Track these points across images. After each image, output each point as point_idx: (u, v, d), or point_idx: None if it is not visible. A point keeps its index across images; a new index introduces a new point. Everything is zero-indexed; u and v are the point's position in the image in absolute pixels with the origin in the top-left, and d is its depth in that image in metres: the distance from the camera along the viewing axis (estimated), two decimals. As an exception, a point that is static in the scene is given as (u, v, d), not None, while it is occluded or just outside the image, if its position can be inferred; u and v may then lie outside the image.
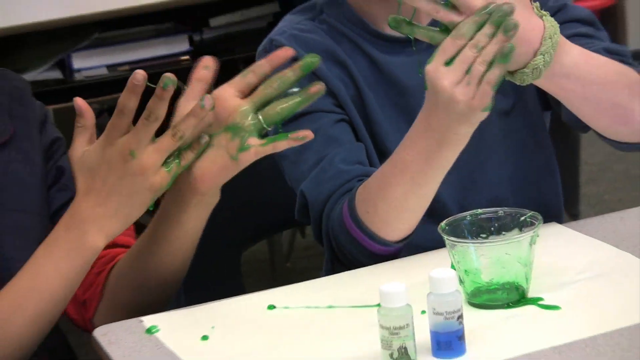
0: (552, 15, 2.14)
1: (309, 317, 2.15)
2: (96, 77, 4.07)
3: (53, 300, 2.10)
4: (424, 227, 2.24)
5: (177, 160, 2.04)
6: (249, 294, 2.27)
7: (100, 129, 2.08)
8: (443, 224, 2.11)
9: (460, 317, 1.93)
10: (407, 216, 2.25)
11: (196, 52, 4.23)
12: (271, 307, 2.20)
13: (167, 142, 2.00)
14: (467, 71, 2.02)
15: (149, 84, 1.97)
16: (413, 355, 1.90)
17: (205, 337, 2.09)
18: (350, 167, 2.32)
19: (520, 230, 2.10)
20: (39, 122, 2.36)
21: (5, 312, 2.08)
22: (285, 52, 2.13)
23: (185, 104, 2.04)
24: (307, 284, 2.29)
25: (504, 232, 2.12)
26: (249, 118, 2.08)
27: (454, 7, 2.05)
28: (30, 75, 3.94)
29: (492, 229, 2.13)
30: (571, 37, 2.23)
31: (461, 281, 2.04)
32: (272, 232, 3.47)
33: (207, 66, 2.07)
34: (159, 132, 2.02)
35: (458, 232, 2.11)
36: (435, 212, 2.25)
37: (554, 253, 2.19)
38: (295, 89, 2.11)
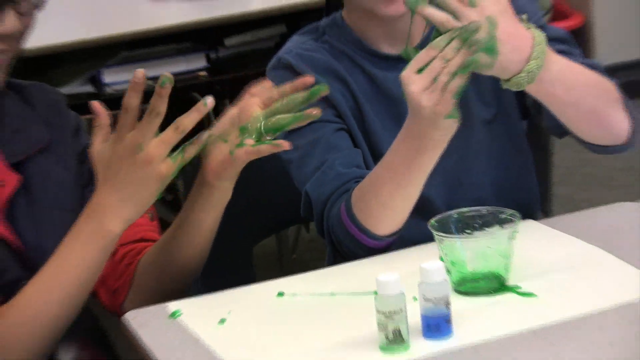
0: None
1: (313, 303, 2.17)
2: (124, 90, 4.08)
3: (78, 282, 2.12)
4: (416, 224, 2.26)
5: (182, 154, 2.06)
6: (260, 282, 2.29)
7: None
8: (432, 220, 2.13)
9: (448, 303, 1.96)
10: (394, 214, 2.27)
11: (212, 69, 4.24)
12: (280, 294, 2.22)
13: (170, 135, 2.03)
14: (435, 80, 2.04)
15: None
16: (406, 336, 1.93)
17: (222, 321, 2.12)
18: (348, 170, 2.34)
19: (501, 226, 2.12)
20: (73, 130, 2.38)
21: (35, 295, 2.11)
22: (307, 80, 2.17)
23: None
24: (311, 273, 2.31)
25: (486, 228, 2.13)
26: (257, 124, 2.12)
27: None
28: (66, 89, 3.94)
29: (476, 225, 2.14)
30: None
31: (448, 271, 2.05)
32: (280, 228, 3.47)
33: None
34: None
35: (446, 228, 2.13)
36: (425, 210, 2.26)
37: (530, 247, 2.19)
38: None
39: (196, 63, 4.22)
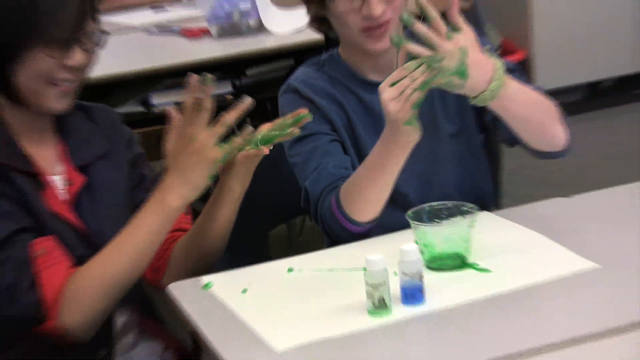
0: None
1: (316, 276, 2.16)
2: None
3: (144, 245, 2.12)
4: (396, 215, 2.24)
5: (228, 144, 2.10)
6: (274, 260, 2.27)
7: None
8: (409, 212, 2.12)
9: (421, 277, 1.96)
10: (371, 205, 2.26)
11: (236, 93, 4.20)
12: (290, 269, 2.20)
13: (217, 128, 2.08)
14: (401, 93, 2.05)
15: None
16: (389, 303, 1.93)
17: (244, 291, 2.11)
18: (339, 171, 2.33)
19: (463, 217, 2.12)
20: (127, 142, 2.37)
21: (111, 255, 2.11)
22: (300, 111, 2.19)
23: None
24: (314, 253, 2.30)
25: (451, 218, 2.13)
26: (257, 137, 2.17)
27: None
28: (122, 109, 3.93)
29: (443, 216, 2.13)
30: None
31: (421, 252, 2.03)
32: (289, 218, 3.46)
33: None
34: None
35: (419, 218, 2.12)
36: (403, 205, 2.25)
37: (485, 233, 2.18)
38: None
39: (224, 88, 4.20)
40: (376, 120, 2.22)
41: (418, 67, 2.07)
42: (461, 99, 2.42)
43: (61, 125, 2.27)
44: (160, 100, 4.17)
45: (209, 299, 2.10)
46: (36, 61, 2.08)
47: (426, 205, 2.15)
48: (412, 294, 1.96)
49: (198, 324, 2.00)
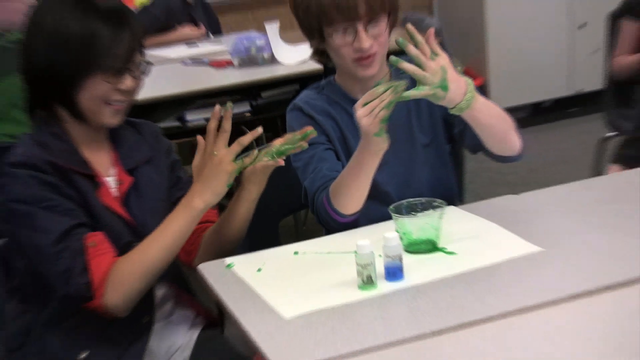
0: None
1: (317, 258, 2.14)
2: (199, 125, 4.07)
3: (174, 238, 2.10)
4: (380, 209, 2.22)
5: (242, 160, 2.11)
6: (283, 245, 2.25)
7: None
8: (391, 207, 2.10)
9: (401, 258, 1.95)
10: (353, 200, 2.24)
11: (253, 111, 4.22)
12: (296, 252, 2.18)
13: (234, 146, 2.09)
14: (372, 111, 2.06)
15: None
16: (374, 280, 1.92)
17: (259, 269, 2.09)
18: (331, 173, 2.32)
19: (434, 210, 2.09)
20: (166, 150, 2.36)
21: (149, 245, 2.10)
22: (307, 128, 2.19)
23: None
24: (315, 239, 2.27)
25: (424, 211, 2.10)
26: (272, 149, 2.18)
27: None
28: (162, 124, 3.92)
29: (418, 209, 2.11)
30: None
31: (401, 238, 2.00)
32: (295, 210, 3.45)
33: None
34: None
35: (399, 211, 2.09)
36: (385, 201, 2.24)
37: (452, 223, 2.17)
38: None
39: (243, 107, 4.19)
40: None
41: (385, 91, 2.07)
42: (433, 117, 2.43)
43: (114, 137, 2.26)
44: (193, 117, 4.16)
45: (230, 276, 2.08)
46: (95, 86, 2.08)
47: (404, 201, 2.13)
48: (394, 272, 1.95)
49: (222, 296, 1.99)
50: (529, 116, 6.24)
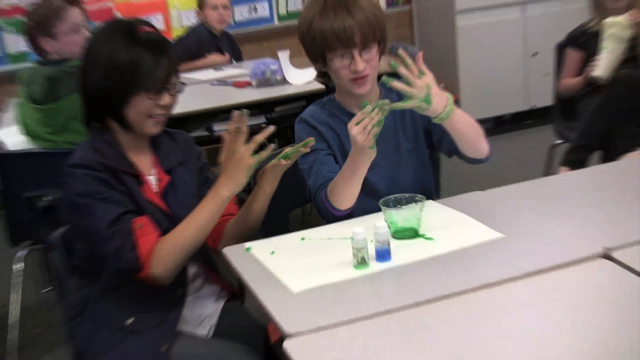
0: None
1: (320, 243, 2.12)
2: (225, 133, 4.06)
3: (205, 221, 2.10)
4: (371, 203, 2.19)
5: (259, 155, 2.11)
6: (292, 233, 2.23)
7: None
8: (381, 201, 2.09)
9: (389, 243, 1.94)
10: (346, 197, 2.21)
11: (269, 123, 4.20)
12: (302, 238, 2.16)
13: (251, 145, 2.09)
14: (364, 128, 2.05)
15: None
16: (367, 260, 1.91)
17: (272, 252, 2.07)
18: (330, 174, 2.29)
19: (416, 203, 2.07)
20: (197, 155, 2.34)
21: (183, 229, 2.10)
22: (309, 139, 2.22)
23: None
24: (319, 228, 2.25)
25: (408, 205, 2.08)
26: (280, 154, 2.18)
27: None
28: (193, 134, 3.93)
29: (403, 203, 2.09)
30: None
31: (389, 227, 1.99)
32: (302, 204, 3.41)
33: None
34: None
35: (387, 204, 2.08)
36: (376, 196, 2.21)
37: (430, 214, 2.15)
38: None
39: (259, 120, 4.19)
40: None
41: (373, 109, 2.05)
42: (416, 127, 2.41)
43: (154, 143, 2.26)
44: (219, 128, 4.16)
45: (249, 258, 2.06)
46: (140, 102, 2.09)
47: (392, 196, 2.11)
48: (383, 254, 1.93)
49: (242, 274, 1.97)
50: (493, 127, 6.23)
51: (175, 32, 5.80)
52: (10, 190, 3.33)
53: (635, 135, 3.73)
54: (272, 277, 1.93)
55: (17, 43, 5.50)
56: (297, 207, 3.20)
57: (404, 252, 1.98)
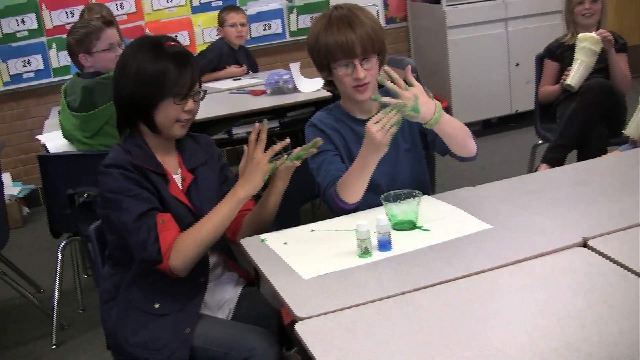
0: None
1: (328, 234, 2.09)
2: (242, 137, 4.06)
3: (222, 219, 2.08)
4: (374, 198, 2.16)
5: (274, 162, 2.08)
6: (303, 225, 2.20)
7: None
8: (382, 196, 2.06)
9: (389, 234, 1.91)
10: (355, 192, 2.17)
11: (281, 127, 4.17)
12: (312, 230, 2.13)
13: (268, 152, 2.07)
14: (383, 127, 2.02)
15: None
16: (370, 250, 1.89)
17: (285, 243, 2.04)
18: (337, 173, 2.25)
19: (413, 198, 2.04)
20: (217, 155, 2.31)
21: (203, 225, 2.07)
22: (316, 139, 2.18)
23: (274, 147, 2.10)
24: (327, 220, 2.21)
25: (406, 199, 2.05)
26: (291, 155, 2.15)
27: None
28: (215, 137, 3.90)
29: (402, 198, 2.05)
30: None
31: (389, 219, 1.96)
32: (312, 199, 3.40)
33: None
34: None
35: (388, 199, 2.05)
36: (378, 192, 2.16)
37: (427, 208, 2.12)
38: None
39: (274, 124, 4.13)
40: (361, 141, 2.15)
41: (391, 111, 2.03)
42: (412, 129, 2.38)
43: (179, 145, 2.23)
44: (237, 131, 4.12)
45: (264, 248, 2.03)
46: (167, 108, 2.09)
47: (392, 192, 2.08)
48: (384, 244, 1.91)
49: (257, 263, 1.95)
50: (481, 129, 6.19)
51: (199, 47, 5.77)
52: (52, 188, 3.34)
53: (606, 135, 3.77)
54: (285, 265, 1.90)
55: (60, 58, 5.49)
56: (307, 202, 3.17)
57: (403, 243, 1.95)
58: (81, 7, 5.11)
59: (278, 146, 2.09)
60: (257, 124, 2.10)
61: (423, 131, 2.39)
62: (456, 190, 2.36)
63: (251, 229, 2.22)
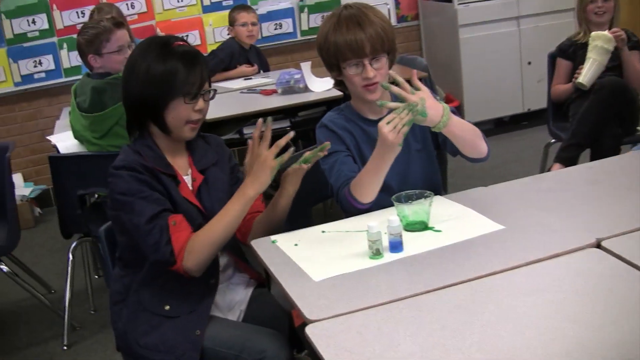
0: None
1: (339, 235, 2.08)
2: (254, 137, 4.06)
3: (233, 218, 2.07)
4: (385, 199, 2.14)
5: (280, 158, 2.06)
6: (314, 226, 2.19)
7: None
8: (393, 197, 2.05)
9: (401, 235, 1.90)
10: (369, 192, 2.16)
11: (292, 126, 4.14)
12: (323, 231, 2.12)
13: (273, 148, 2.05)
14: (395, 127, 2.01)
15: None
16: (382, 251, 1.88)
17: (296, 244, 2.03)
18: (350, 173, 2.24)
19: (425, 199, 2.03)
20: (228, 156, 2.31)
21: (213, 225, 2.07)
22: (325, 143, 2.15)
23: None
24: (338, 221, 2.20)
25: (418, 200, 2.04)
26: (300, 157, 2.15)
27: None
28: (225, 137, 3.89)
29: (414, 198, 2.05)
30: None
31: (401, 220, 1.96)
32: (323, 199, 3.37)
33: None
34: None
35: (399, 200, 2.04)
36: (389, 192, 2.15)
37: (438, 208, 2.11)
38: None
39: (284, 124, 4.12)
40: (372, 142, 2.15)
41: (402, 110, 2.02)
42: (424, 130, 2.35)
43: (189, 146, 2.23)
44: (248, 131, 4.10)
45: (275, 249, 2.03)
46: (178, 107, 2.08)
47: (403, 193, 2.07)
48: (396, 245, 1.90)
49: (268, 264, 1.94)
50: (493, 128, 6.17)
51: (210, 46, 5.77)
52: (62, 188, 3.35)
53: (619, 134, 3.74)
54: (295, 266, 1.89)
55: (71, 58, 5.50)
56: (318, 202, 3.16)
57: (414, 244, 1.94)
58: (92, 7, 5.12)
59: (282, 140, 2.09)
60: (259, 120, 2.11)
61: (434, 131, 2.37)
62: (468, 190, 2.34)
63: (262, 230, 2.21)
